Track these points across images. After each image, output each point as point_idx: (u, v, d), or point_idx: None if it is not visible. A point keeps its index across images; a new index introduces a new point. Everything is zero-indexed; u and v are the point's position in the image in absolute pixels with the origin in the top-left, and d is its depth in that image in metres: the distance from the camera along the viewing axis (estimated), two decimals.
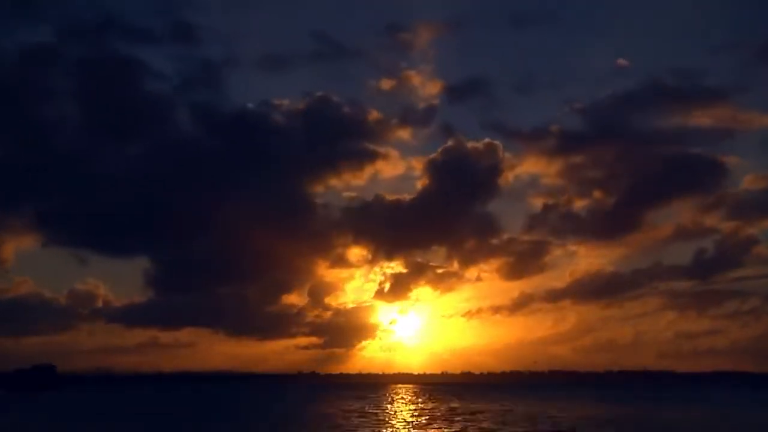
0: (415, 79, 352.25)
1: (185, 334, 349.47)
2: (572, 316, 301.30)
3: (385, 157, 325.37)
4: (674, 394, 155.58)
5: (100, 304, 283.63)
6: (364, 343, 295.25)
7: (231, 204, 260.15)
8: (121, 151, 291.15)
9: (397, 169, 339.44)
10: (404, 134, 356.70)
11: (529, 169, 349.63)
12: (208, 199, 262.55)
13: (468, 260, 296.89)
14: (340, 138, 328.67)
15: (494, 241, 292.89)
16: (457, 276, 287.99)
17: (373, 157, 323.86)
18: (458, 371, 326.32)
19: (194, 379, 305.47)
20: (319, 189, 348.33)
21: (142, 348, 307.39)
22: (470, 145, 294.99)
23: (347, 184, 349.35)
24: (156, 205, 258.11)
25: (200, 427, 68.63)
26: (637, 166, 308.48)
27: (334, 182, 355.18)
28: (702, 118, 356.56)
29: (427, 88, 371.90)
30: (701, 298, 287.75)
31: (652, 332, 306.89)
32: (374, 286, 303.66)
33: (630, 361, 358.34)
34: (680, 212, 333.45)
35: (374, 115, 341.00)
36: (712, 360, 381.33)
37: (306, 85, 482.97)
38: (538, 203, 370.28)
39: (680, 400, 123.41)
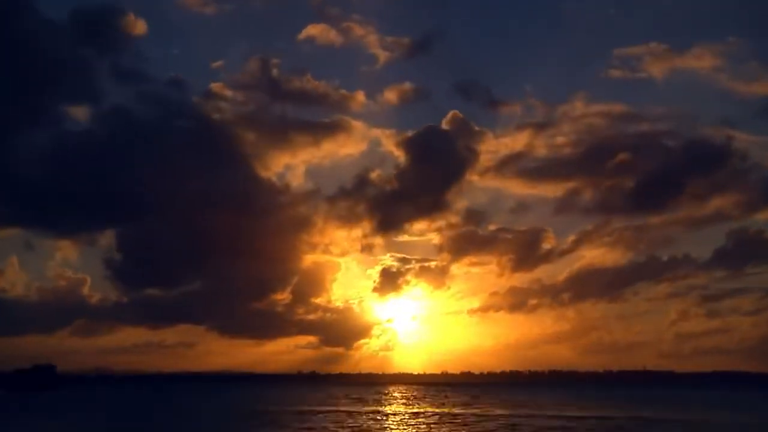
0: (358, 30, 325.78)
1: (184, 335, 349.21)
2: (571, 313, 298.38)
3: (347, 129, 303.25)
4: (674, 394, 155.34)
5: (74, 298, 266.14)
6: (362, 341, 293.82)
7: (183, 187, 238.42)
8: (40, 120, 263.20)
9: (360, 144, 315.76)
10: (360, 101, 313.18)
11: (514, 147, 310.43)
12: (155, 180, 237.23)
13: (461, 252, 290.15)
14: (294, 111, 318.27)
15: (487, 233, 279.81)
16: (451, 272, 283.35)
17: (333, 129, 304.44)
18: (458, 371, 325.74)
19: (194, 379, 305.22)
20: (277, 169, 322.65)
21: (141, 348, 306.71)
22: (446, 123, 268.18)
23: (308, 163, 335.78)
24: (98, 185, 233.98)
25: (199, 427, 68.66)
26: (638, 145, 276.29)
27: (291, 161, 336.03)
28: (707, 79, 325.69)
29: (378, 43, 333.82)
30: (703, 296, 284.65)
31: (652, 332, 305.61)
32: (369, 283, 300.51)
33: (630, 361, 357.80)
34: (686, 202, 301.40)
35: (326, 83, 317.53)
36: (713, 360, 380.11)
37: (234, 38, 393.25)
38: (527, 189, 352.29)
39: (680, 401, 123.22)
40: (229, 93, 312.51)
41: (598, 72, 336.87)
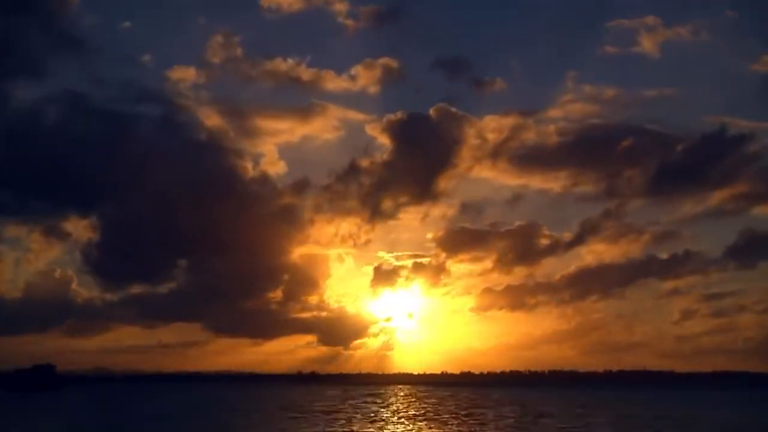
0: None
1: (182, 335, 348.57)
2: (572, 312, 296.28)
3: (322, 113, 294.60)
4: (674, 393, 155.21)
5: (60, 294, 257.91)
6: (361, 341, 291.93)
7: (154, 175, 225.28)
8: None
9: (337, 129, 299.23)
10: (333, 81, 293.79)
11: (506, 133, 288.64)
12: (126, 168, 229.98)
13: (456, 248, 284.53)
14: (264, 93, 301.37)
15: (483, 228, 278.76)
16: (448, 268, 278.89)
17: (307, 112, 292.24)
18: (458, 371, 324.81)
19: (194, 379, 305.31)
20: (252, 156, 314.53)
21: (140, 348, 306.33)
22: (433, 110, 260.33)
23: (285, 150, 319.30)
24: (62, 172, 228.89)
25: (199, 427, 68.68)
26: (636, 132, 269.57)
27: (265, 147, 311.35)
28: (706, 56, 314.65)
29: (346, 12, 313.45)
30: (705, 294, 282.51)
31: (654, 331, 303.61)
32: (365, 281, 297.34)
33: (630, 361, 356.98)
34: (691, 193, 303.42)
35: (294, 60, 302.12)
36: (716, 360, 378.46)
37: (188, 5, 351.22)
38: (523, 180, 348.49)
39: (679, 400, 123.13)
40: (191, 74, 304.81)
41: (590, 48, 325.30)
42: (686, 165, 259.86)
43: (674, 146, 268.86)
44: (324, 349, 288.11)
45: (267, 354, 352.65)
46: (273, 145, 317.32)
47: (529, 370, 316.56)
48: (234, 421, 75.53)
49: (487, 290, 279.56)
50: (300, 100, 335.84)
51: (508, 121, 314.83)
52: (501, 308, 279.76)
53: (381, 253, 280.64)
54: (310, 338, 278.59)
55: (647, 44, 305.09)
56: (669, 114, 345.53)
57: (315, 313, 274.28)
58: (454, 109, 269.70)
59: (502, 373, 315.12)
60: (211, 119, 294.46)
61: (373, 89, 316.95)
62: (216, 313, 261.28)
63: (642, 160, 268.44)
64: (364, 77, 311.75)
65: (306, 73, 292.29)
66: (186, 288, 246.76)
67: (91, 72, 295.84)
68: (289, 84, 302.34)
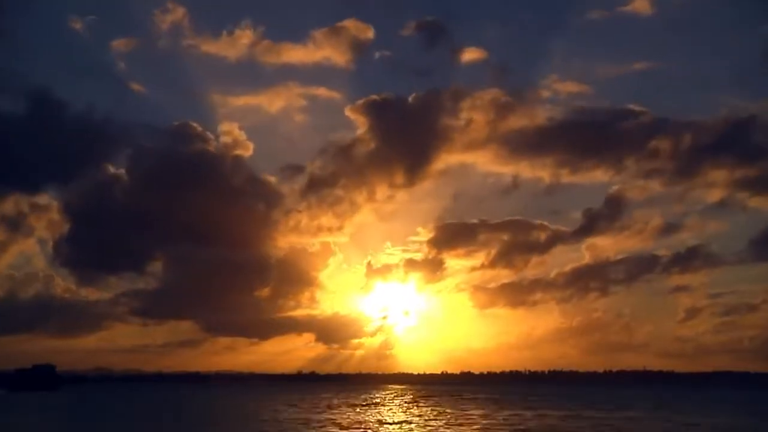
0: None
1: (180, 334, 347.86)
2: (571, 310, 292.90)
3: (286, 89, 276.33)
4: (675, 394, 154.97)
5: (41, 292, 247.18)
6: (360, 340, 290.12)
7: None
8: None
9: (306, 110, 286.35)
10: (297, 52, 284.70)
11: (489, 115, 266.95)
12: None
13: (453, 244, 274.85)
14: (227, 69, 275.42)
15: (479, 224, 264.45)
16: (446, 265, 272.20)
17: (273, 91, 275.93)
18: (458, 371, 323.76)
19: (194, 380, 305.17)
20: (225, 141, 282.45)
21: (140, 348, 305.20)
22: (413, 97, 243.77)
23: (250, 133, 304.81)
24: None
25: (199, 427, 68.69)
26: (637, 115, 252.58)
27: (235, 129, 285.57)
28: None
29: None
30: (702, 295, 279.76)
31: (654, 330, 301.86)
32: (362, 279, 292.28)
33: (630, 361, 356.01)
34: (695, 183, 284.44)
35: (249, 29, 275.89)
36: (714, 360, 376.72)
37: None
38: (517, 169, 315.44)
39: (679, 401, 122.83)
40: (134, 46, 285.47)
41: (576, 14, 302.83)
42: (692, 151, 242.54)
43: (677, 131, 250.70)
44: (322, 349, 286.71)
45: (266, 354, 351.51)
46: (237, 128, 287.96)
47: (529, 370, 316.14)
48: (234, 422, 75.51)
49: (484, 288, 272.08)
50: (263, 76, 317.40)
51: (490, 97, 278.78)
52: (501, 306, 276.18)
53: (372, 250, 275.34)
54: (308, 337, 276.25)
55: (640, 4, 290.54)
56: (667, 94, 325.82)
57: (309, 311, 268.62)
58: (435, 91, 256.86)
59: (502, 373, 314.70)
60: (166, 98, 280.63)
61: (340, 59, 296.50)
62: (208, 311, 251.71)
63: (640, 146, 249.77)
64: (330, 47, 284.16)
65: (267, 45, 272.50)
66: (171, 285, 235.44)
67: (15, 41, 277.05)
68: (248, 57, 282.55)
